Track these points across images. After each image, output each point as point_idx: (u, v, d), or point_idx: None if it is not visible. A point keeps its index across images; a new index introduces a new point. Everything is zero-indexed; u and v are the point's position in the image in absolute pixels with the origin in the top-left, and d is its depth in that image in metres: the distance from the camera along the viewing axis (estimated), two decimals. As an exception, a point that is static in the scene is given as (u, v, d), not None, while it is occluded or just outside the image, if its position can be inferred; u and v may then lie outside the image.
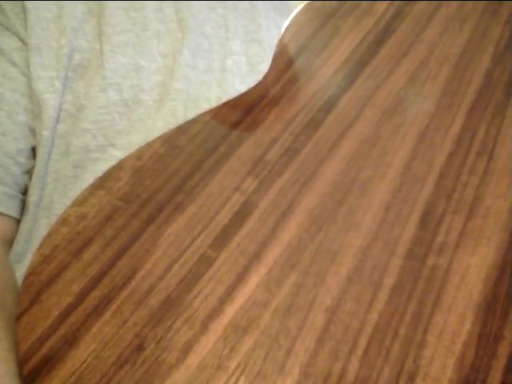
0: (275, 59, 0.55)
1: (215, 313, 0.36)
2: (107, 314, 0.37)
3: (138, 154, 0.47)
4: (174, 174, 0.45)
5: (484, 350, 0.34)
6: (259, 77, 0.67)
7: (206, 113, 0.50)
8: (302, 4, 0.67)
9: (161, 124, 0.60)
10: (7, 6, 0.63)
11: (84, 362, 0.35)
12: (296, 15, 0.59)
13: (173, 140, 0.48)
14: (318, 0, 0.61)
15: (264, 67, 0.68)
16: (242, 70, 0.67)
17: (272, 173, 0.44)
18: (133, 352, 0.35)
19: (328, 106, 0.49)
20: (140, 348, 0.35)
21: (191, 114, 0.60)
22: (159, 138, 0.48)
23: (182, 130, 0.49)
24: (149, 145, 0.48)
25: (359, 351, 0.34)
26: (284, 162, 0.45)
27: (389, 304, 0.36)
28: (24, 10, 0.62)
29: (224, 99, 0.63)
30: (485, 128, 0.46)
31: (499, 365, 0.33)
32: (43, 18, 0.62)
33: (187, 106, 0.62)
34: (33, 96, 0.59)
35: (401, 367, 0.33)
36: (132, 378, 0.34)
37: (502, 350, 0.34)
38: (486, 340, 0.34)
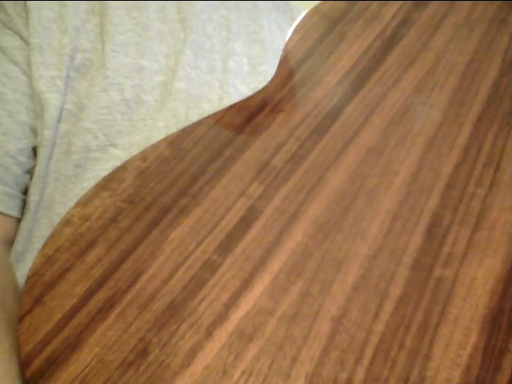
0: (281, 63, 0.55)
1: (220, 319, 0.36)
2: (111, 318, 0.37)
3: (143, 156, 0.47)
4: (179, 177, 0.45)
5: (489, 362, 0.34)
6: (260, 78, 0.67)
7: (211, 116, 0.50)
8: (305, 4, 0.67)
9: (162, 124, 0.60)
10: (9, 4, 0.62)
11: (87, 366, 0.35)
12: (302, 19, 0.59)
13: (178, 142, 0.48)
14: (320, 0, 0.61)
15: (265, 68, 0.68)
16: (243, 71, 0.67)
17: (278, 178, 0.44)
18: (137, 357, 0.35)
19: (334, 113, 0.49)
20: (144, 353, 0.35)
21: (192, 115, 0.61)
22: (164, 139, 0.48)
23: (187, 132, 0.49)
24: (154, 146, 0.47)
25: (365, 361, 0.34)
26: (290, 168, 0.45)
27: (395, 314, 0.36)
28: (26, 9, 0.61)
29: (225, 100, 0.63)
30: (492, 139, 0.46)
31: (503, 378, 0.33)
32: (45, 17, 0.62)
33: (189, 106, 0.62)
34: (34, 95, 0.59)
35: (406, 378, 0.33)
36: (136, 383, 0.34)
37: (507, 363, 0.34)
38: (491, 353, 0.34)
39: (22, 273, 0.52)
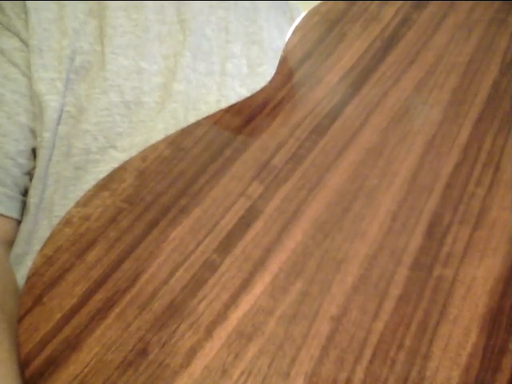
0: (281, 64, 0.55)
1: (220, 319, 0.36)
2: (111, 318, 0.37)
3: (143, 156, 0.47)
4: (179, 177, 0.45)
5: (489, 362, 0.34)
6: (259, 79, 0.67)
7: (211, 116, 0.50)
8: (305, 4, 0.67)
9: (162, 126, 0.60)
10: (8, 5, 0.62)
11: (87, 366, 0.35)
12: (302, 20, 0.59)
13: (178, 142, 0.48)
14: (320, 0, 0.61)
15: (264, 69, 0.68)
16: (242, 73, 0.67)
17: (278, 178, 0.44)
18: (136, 356, 0.35)
19: (334, 113, 0.49)
20: (144, 352, 0.35)
21: (191, 117, 0.61)
22: (164, 140, 0.48)
23: (186, 132, 0.49)
24: (153, 147, 0.47)
25: (364, 361, 0.34)
26: (290, 168, 0.45)
27: (394, 314, 0.36)
28: (25, 11, 0.61)
29: (222, 102, 0.63)
30: (491, 139, 0.46)
31: (503, 378, 0.33)
32: (44, 19, 0.62)
33: (188, 108, 0.62)
34: (34, 97, 0.59)
35: (406, 378, 0.33)
36: (135, 383, 0.34)
37: (507, 363, 0.34)
38: (490, 352, 0.34)
39: (21, 274, 0.52)
